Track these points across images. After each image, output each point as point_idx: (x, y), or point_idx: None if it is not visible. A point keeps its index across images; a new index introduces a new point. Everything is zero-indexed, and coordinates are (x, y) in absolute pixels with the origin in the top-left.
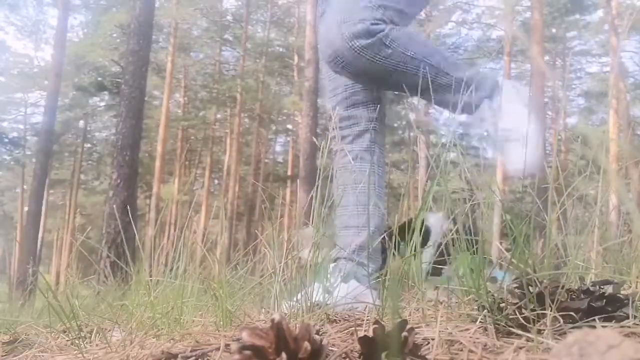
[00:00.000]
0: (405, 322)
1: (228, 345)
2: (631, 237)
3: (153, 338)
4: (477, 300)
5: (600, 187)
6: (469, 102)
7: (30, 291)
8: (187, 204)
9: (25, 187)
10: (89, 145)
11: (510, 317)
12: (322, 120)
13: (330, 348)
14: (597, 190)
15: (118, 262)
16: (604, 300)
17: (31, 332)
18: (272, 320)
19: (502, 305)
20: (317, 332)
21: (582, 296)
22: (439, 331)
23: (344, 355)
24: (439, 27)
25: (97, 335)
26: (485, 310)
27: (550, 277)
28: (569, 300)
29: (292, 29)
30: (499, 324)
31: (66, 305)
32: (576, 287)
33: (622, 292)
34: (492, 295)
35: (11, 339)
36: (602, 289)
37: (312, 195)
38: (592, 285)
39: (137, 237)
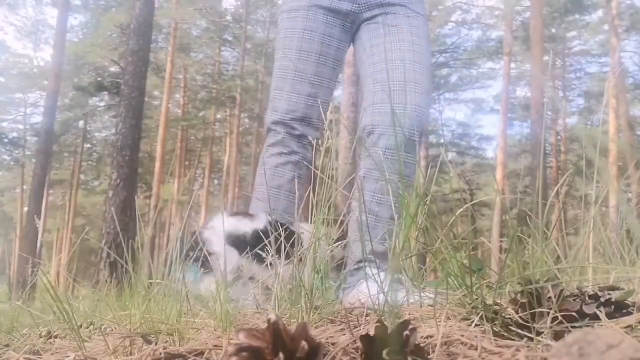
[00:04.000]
0: (407, 321)
1: (227, 346)
2: (630, 236)
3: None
4: (476, 300)
5: (599, 187)
6: None
7: (30, 291)
8: (187, 204)
9: (25, 187)
10: (88, 145)
11: (510, 317)
12: None
13: (330, 348)
14: (596, 191)
15: (118, 260)
16: (612, 307)
17: (30, 332)
18: (269, 320)
19: (502, 305)
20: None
21: (589, 300)
22: (439, 331)
23: (343, 354)
24: (439, 27)
25: (97, 335)
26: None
27: (550, 277)
28: (568, 301)
29: None
30: (499, 324)
31: (66, 306)
32: (576, 288)
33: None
34: (488, 296)
35: (11, 339)
36: (610, 294)
37: (309, 194)
38: (599, 291)
39: (137, 237)
